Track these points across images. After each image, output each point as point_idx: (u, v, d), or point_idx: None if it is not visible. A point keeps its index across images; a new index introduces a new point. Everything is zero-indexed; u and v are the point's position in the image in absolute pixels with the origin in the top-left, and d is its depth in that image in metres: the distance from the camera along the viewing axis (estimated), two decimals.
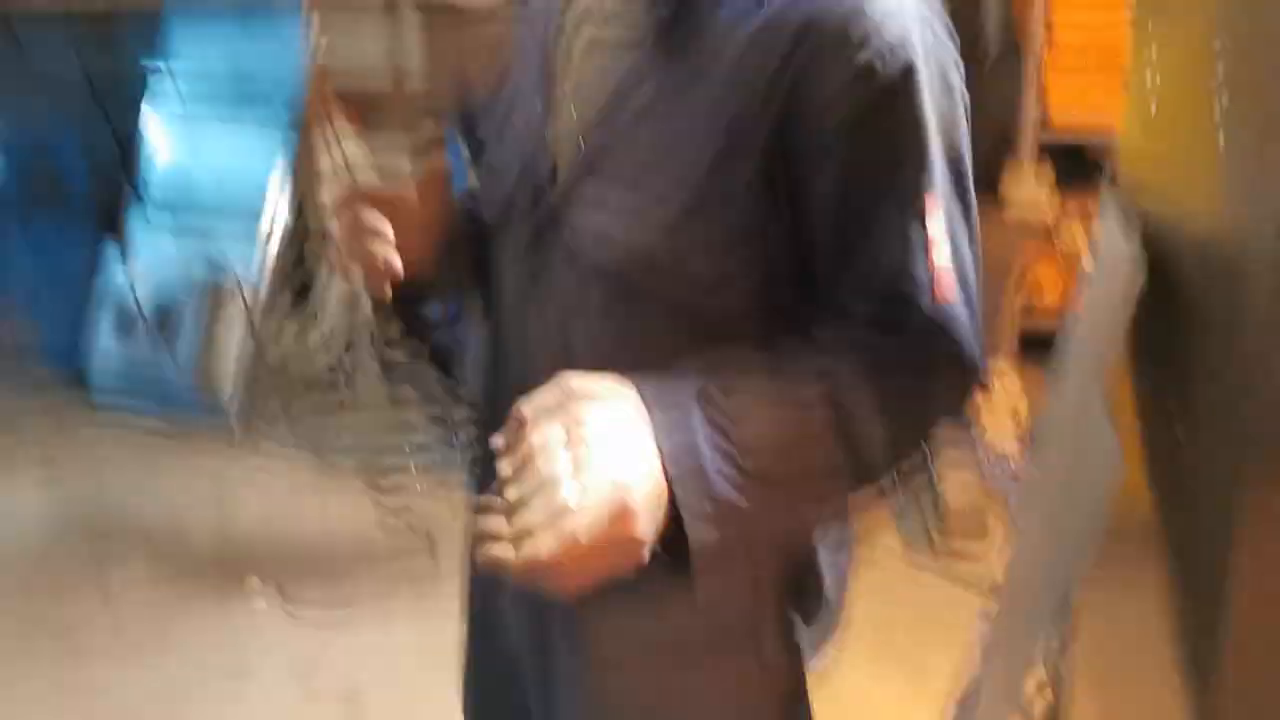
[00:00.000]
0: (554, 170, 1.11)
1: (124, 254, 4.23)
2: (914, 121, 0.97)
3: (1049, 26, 3.94)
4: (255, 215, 4.12)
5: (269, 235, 4.11)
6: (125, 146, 4.37)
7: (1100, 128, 3.69)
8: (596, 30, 1.11)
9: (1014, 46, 4.27)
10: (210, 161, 4.23)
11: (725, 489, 0.89)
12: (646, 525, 0.85)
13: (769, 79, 0.98)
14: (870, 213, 0.99)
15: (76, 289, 4.33)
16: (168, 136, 4.33)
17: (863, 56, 0.95)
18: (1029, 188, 3.96)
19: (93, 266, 4.32)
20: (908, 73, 0.96)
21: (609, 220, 1.05)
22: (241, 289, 4.04)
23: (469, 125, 1.32)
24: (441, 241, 1.26)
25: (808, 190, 1.00)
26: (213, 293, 4.01)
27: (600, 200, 1.06)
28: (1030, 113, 4.04)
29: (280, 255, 4.17)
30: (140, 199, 4.24)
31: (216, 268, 4.08)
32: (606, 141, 1.07)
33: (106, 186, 4.37)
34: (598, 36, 1.10)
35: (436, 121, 1.20)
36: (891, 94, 0.96)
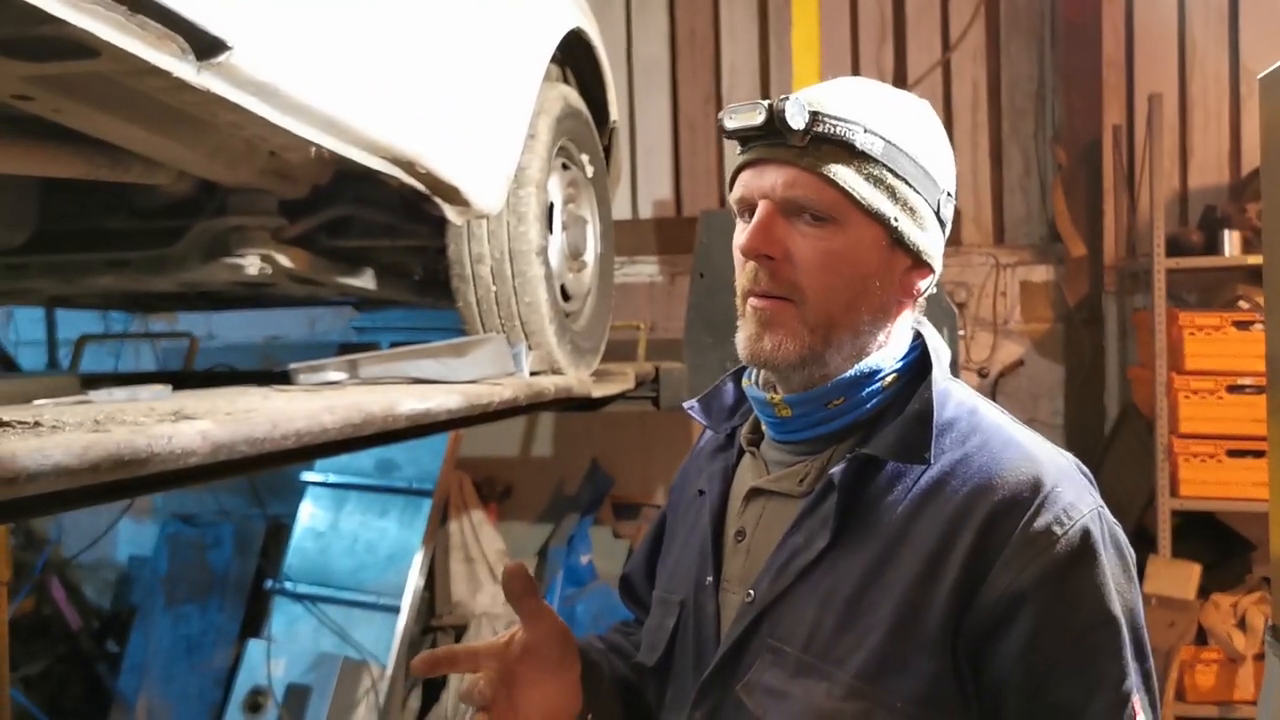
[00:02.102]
0: (718, 627, 1.13)
1: (259, 633, 4.28)
2: (1097, 592, 0.98)
3: (1174, 411, 4.12)
4: (388, 594, 4.23)
5: (400, 615, 4.18)
6: (274, 536, 4.67)
7: (1229, 497, 4.02)
8: (767, 502, 1.15)
9: (1135, 430, 4.45)
10: (349, 542, 4.41)
11: None
12: None
13: (941, 537, 1.00)
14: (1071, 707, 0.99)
15: (212, 675, 4.32)
16: (311, 515, 4.50)
17: (1041, 521, 0.98)
18: (1173, 574, 4.01)
19: (232, 658, 4.37)
20: (1086, 536, 0.98)
21: (786, 681, 1.04)
22: (370, 667, 3.81)
23: (629, 584, 1.43)
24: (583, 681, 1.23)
25: (994, 664, 0.99)
26: (343, 670, 3.82)
27: (775, 660, 1.06)
28: (1165, 498, 4.10)
29: (409, 634, 4.21)
30: (281, 580, 4.38)
31: (348, 645, 4.08)
32: (777, 602, 1.07)
33: (251, 574, 4.64)
34: (769, 507, 1.15)
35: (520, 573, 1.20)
36: (1072, 560, 0.98)
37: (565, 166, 2.62)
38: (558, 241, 2.51)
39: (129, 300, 3.32)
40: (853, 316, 1.09)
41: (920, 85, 5.06)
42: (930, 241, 1.11)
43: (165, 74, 1.32)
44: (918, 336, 1.16)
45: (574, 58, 2.83)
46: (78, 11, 1.13)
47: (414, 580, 4.24)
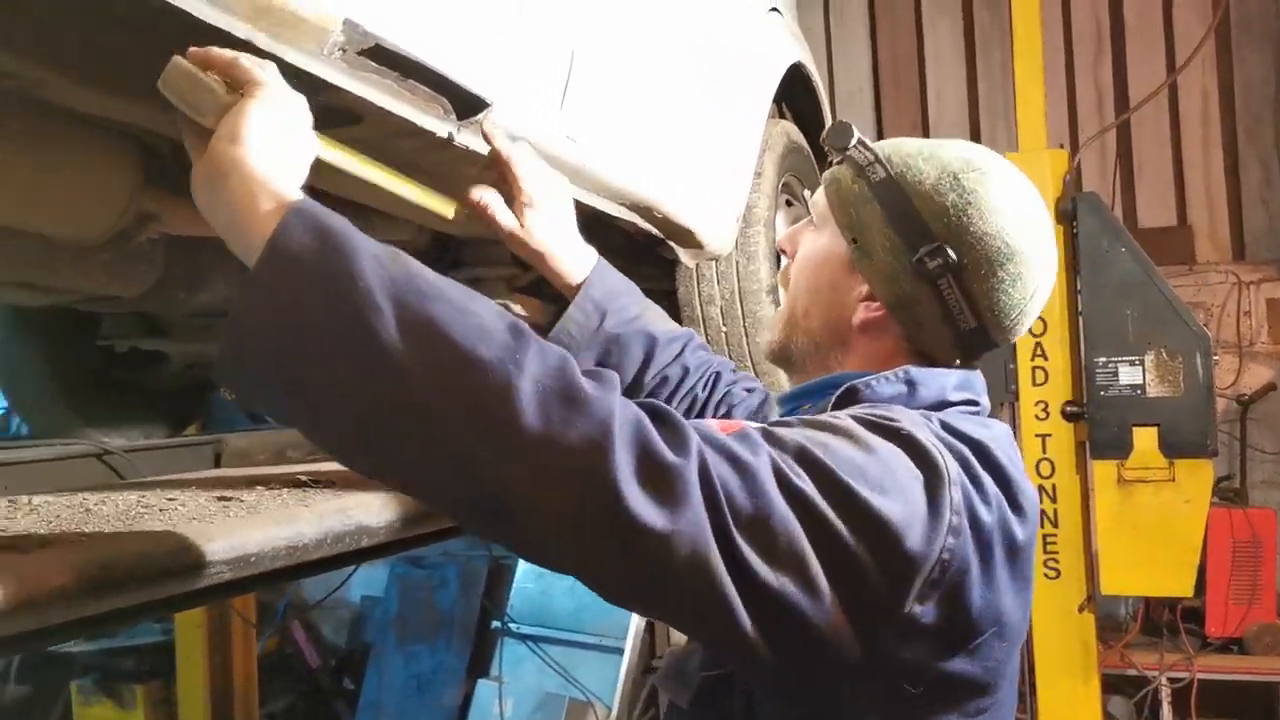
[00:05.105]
0: None
1: (486, 673, 4.42)
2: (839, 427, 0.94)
3: None
4: (610, 635, 4.28)
5: (623, 656, 4.23)
6: (497, 577, 4.77)
7: None
8: None
9: None
10: (569, 583, 4.06)
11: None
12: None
13: None
14: None
15: (443, 714, 4.48)
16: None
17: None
18: None
19: (461, 697, 4.51)
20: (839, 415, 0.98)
21: None
22: (595, 707, 3.85)
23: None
24: None
25: None
26: (569, 710, 3.87)
27: None
28: None
29: (632, 675, 4.23)
30: (505, 621, 4.47)
31: (572, 685, 3.96)
32: None
33: (476, 614, 4.75)
34: None
35: None
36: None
37: (789, 203, 2.58)
38: None
39: None
40: (807, 320, 1.19)
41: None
42: (885, 280, 1.13)
43: (422, 134, 1.36)
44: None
45: (790, 90, 2.80)
46: (354, 80, 1.17)
47: (635, 621, 4.24)
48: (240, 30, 0.99)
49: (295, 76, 1.12)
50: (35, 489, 2.15)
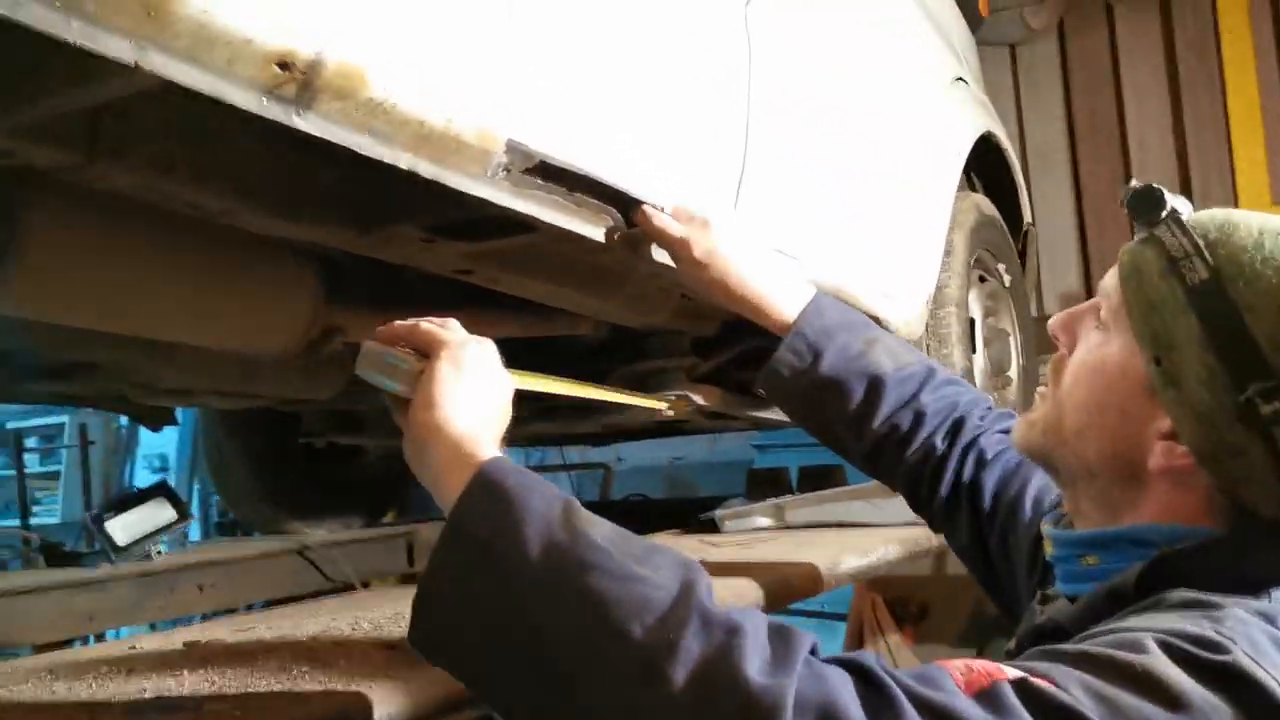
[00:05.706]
0: None
1: None
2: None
3: None
4: None
5: None
6: None
7: None
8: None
9: None
10: None
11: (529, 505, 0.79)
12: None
13: None
14: None
15: None
16: None
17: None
18: None
19: None
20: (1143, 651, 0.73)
21: None
22: None
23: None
24: None
25: None
26: None
27: None
28: None
29: None
30: None
31: None
32: None
33: None
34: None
35: None
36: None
37: (982, 279, 2.46)
38: (980, 360, 2.35)
39: (550, 438, 3.48)
40: (1079, 443, 0.93)
41: None
42: (1197, 422, 0.84)
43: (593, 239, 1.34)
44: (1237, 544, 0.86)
45: (979, 160, 2.69)
46: (520, 199, 1.15)
47: None
48: (403, 161, 0.99)
49: (458, 201, 1.11)
50: (241, 584, 2.23)
